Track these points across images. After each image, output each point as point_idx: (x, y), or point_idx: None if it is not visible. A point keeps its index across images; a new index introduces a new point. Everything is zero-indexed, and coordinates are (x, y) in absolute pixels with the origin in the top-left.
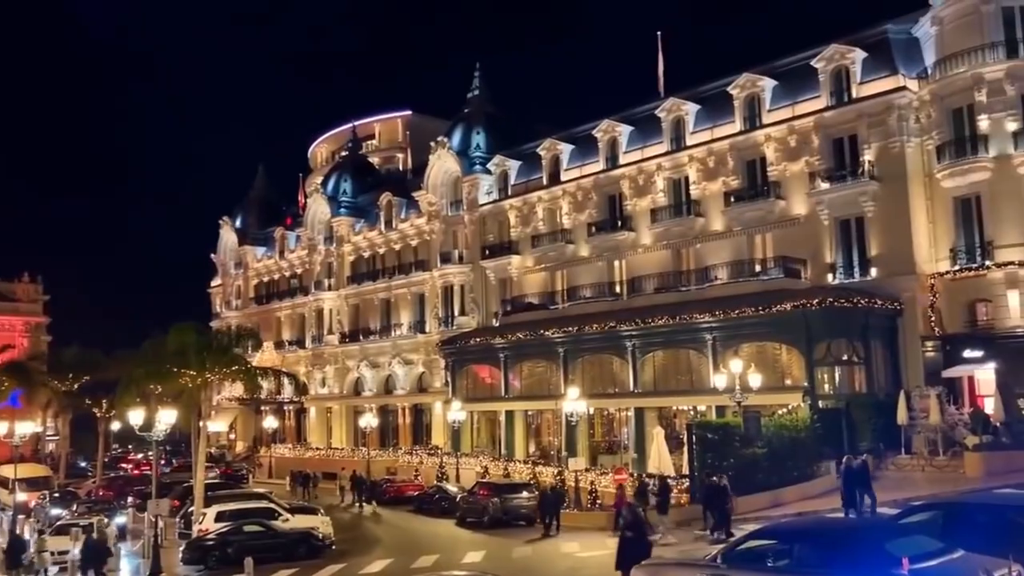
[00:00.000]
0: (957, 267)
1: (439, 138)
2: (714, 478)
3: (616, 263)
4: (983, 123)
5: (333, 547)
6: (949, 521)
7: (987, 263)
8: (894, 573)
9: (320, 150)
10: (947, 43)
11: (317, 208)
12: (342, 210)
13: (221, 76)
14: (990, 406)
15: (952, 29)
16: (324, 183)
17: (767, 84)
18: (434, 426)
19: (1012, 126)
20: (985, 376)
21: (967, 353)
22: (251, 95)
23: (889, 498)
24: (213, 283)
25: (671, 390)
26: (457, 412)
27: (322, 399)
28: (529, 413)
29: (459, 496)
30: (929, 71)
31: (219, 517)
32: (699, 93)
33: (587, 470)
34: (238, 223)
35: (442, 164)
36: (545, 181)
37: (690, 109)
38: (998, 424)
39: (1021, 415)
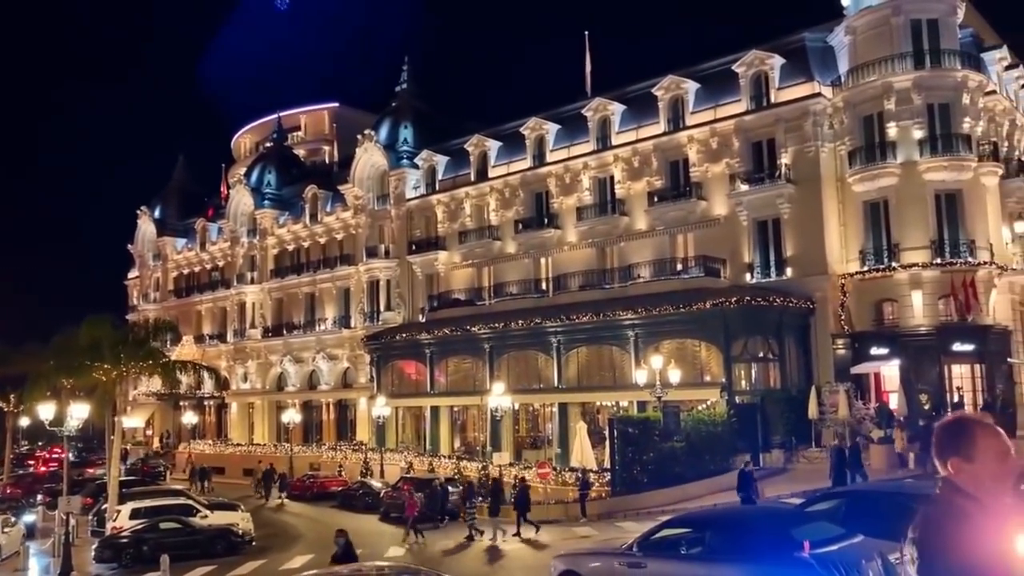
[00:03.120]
0: (866, 268)
1: (366, 131)
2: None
3: (542, 260)
4: (892, 130)
5: (253, 543)
6: (851, 508)
7: (893, 265)
8: (797, 556)
9: (244, 140)
10: (859, 52)
11: (240, 200)
12: (266, 202)
13: (141, 61)
14: (895, 401)
15: (864, 39)
16: (248, 174)
17: (690, 87)
18: (359, 422)
19: (918, 134)
20: (890, 372)
21: (874, 350)
22: (172, 81)
23: (800, 489)
24: (130, 275)
25: (594, 386)
26: (382, 408)
27: (244, 394)
28: (455, 409)
29: (383, 492)
30: (843, 79)
31: (134, 514)
32: (625, 94)
33: (511, 465)
34: (157, 214)
35: (369, 157)
36: (473, 177)
37: (616, 109)
38: (901, 418)
39: (922, 409)
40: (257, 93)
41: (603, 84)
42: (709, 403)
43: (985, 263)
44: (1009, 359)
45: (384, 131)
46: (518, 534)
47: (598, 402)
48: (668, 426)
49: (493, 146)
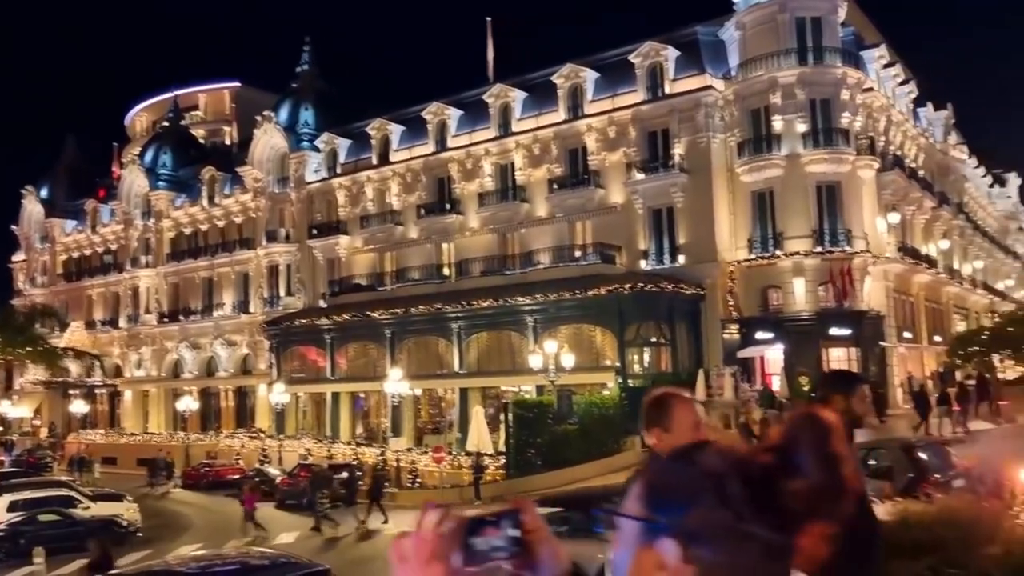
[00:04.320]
0: (753, 256)
1: (266, 112)
2: None
3: (444, 246)
4: (777, 123)
5: (139, 534)
6: None
7: (778, 253)
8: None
9: (139, 119)
10: (748, 47)
11: (134, 180)
12: (161, 183)
13: (29, 35)
14: (777, 384)
15: (752, 34)
16: (142, 154)
17: (589, 76)
18: (258, 409)
19: (802, 127)
20: (774, 356)
21: (759, 335)
22: (63, 56)
23: None
24: (15, 258)
25: (494, 371)
26: (281, 394)
27: (138, 382)
28: (361, 395)
29: (280, 479)
30: (732, 72)
31: (11, 507)
32: (526, 81)
33: (408, 450)
34: (44, 194)
35: (269, 139)
36: (375, 161)
37: (517, 96)
38: (783, 400)
39: (802, 391)
40: (153, 68)
41: (505, 71)
42: (609, 387)
43: (861, 252)
44: (881, 343)
45: (285, 112)
46: (364, 522)
47: (499, 387)
48: (562, 410)
49: (395, 130)
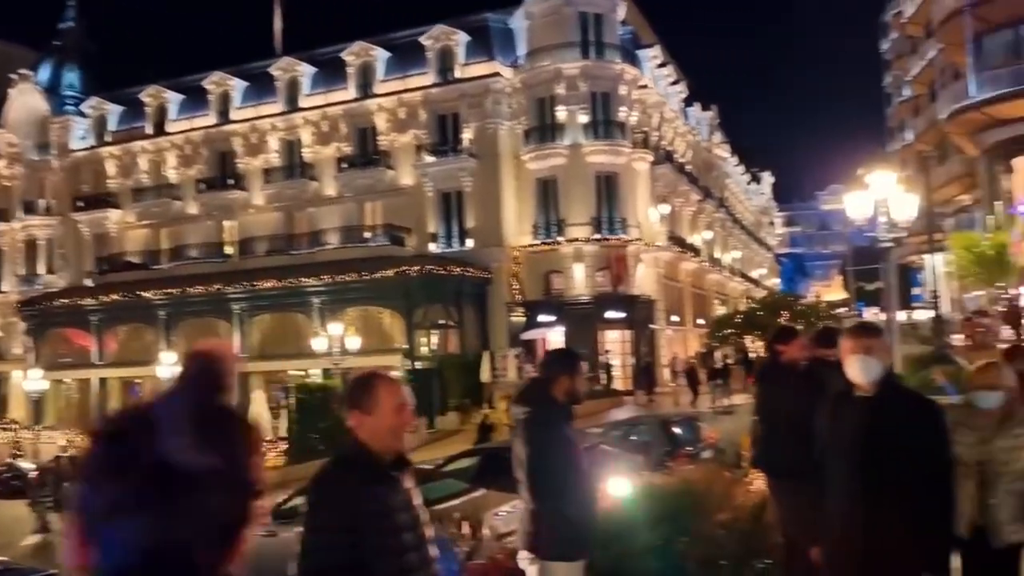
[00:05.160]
0: (537, 241)
1: (22, 71)
2: None
3: (226, 223)
4: (561, 114)
5: None
6: (483, 465)
7: (560, 239)
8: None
9: None
10: (535, 37)
11: None
12: None
13: None
14: None
15: (540, 25)
16: None
17: (380, 55)
18: (13, 398)
19: (583, 119)
20: (556, 338)
21: (542, 318)
22: None
23: (478, 446)
24: None
25: (279, 354)
26: (38, 381)
27: None
28: (137, 381)
29: (33, 474)
30: (520, 61)
31: None
32: (315, 56)
33: None
34: None
35: (26, 101)
36: (150, 131)
37: (306, 71)
38: None
39: None
40: None
41: (294, 44)
42: (406, 368)
43: (635, 240)
44: (652, 325)
45: (45, 72)
46: None
47: (285, 370)
48: None
49: (174, 99)
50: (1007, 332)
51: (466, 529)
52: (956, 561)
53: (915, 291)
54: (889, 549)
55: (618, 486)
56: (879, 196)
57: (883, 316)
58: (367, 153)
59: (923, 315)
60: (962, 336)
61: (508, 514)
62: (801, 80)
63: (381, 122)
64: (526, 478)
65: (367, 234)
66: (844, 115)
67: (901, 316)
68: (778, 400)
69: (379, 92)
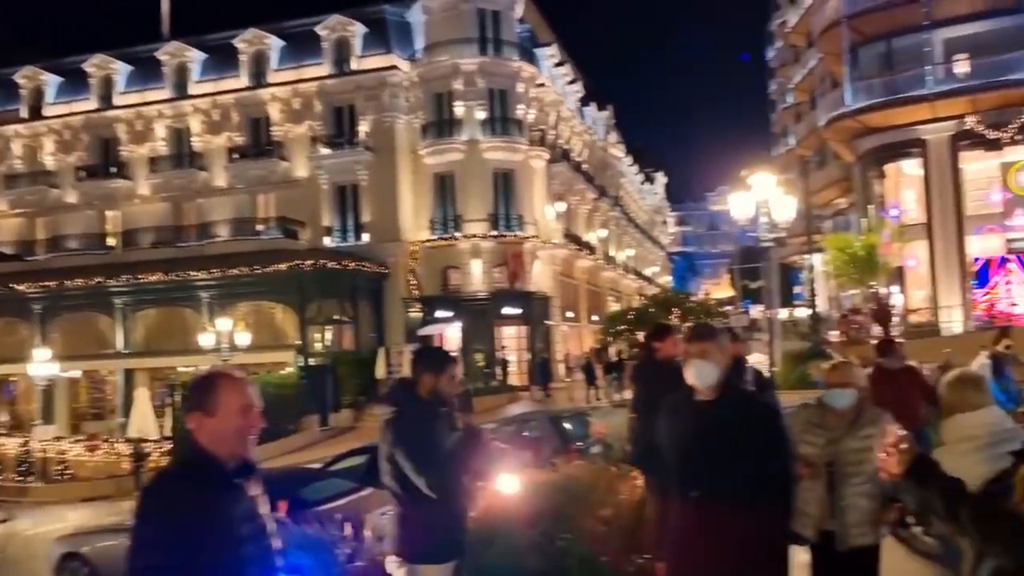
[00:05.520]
0: (435, 236)
1: None
2: None
3: (109, 213)
4: (459, 109)
5: None
6: (372, 463)
7: (457, 234)
8: (285, 518)
9: None
10: (433, 32)
11: None
12: None
13: None
14: None
15: (438, 20)
16: None
17: (274, 43)
18: None
19: (481, 115)
20: (453, 334)
21: (439, 313)
22: None
23: (367, 444)
24: None
25: (165, 350)
26: None
27: None
28: (13, 379)
29: None
30: (418, 55)
31: None
32: (206, 41)
33: (58, 439)
34: None
35: None
36: (25, 114)
37: (195, 57)
38: (460, 376)
39: (476, 368)
40: None
41: (183, 28)
42: (299, 365)
43: (532, 237)
44: (547, 321)
45: None
46: None
47: (174, 367)
48: None
49: (51, 81)
50: (877, 329)
51: (348, 530)
52: (805, 564)
53: (797, 289)
54: (727, 555)
55: (506, 483)
56: (760, 197)
57: (768, 313)
58: (260, 143)
59: (803, 313)
60: (838, 332)
61: (393, 514)
62: (694, 84)
63: (275, 112)
64: (391, 480)
65: (259, 227)
66: (735, 119)
67: (783, 314)
68: (654, 397)
69: (273, 81)
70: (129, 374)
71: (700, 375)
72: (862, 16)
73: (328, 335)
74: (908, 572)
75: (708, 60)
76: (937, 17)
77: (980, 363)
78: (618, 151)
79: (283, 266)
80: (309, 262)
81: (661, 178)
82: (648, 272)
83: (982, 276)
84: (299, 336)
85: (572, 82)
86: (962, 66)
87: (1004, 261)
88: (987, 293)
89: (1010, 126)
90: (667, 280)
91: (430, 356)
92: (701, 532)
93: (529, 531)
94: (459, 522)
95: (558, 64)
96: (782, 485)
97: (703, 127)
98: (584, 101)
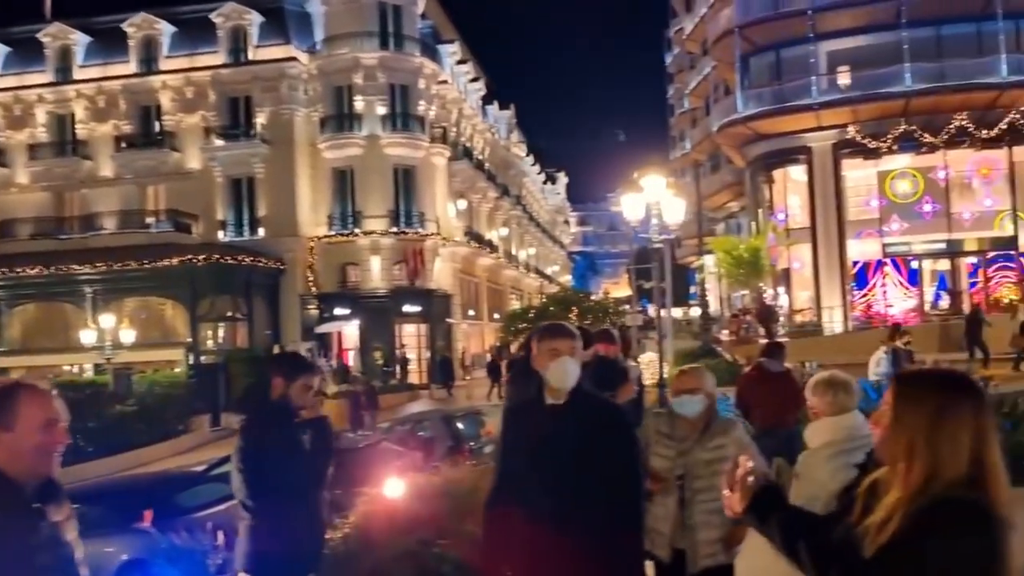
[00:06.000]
0: (333, 232)
1: None
2: None
3: None
4: (359, 103)
5: None
6: None
7: (356, 231)
8: (135, 527)
9: None
10: (333, 24)
11: None
12: None
13: None
14: (352, 358)
15: (338, 12)
16: None
17: (166, 29)
18: None
19: (381, 110)
20: (351, 331)
21: (337, 311)
22: None
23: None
24: None
25: (45, 347)
26: None
27: None
28: None
29: None
30: (318, 47)
31: None
32: (92, 24)
33: None
34: None
35: None
36: None
37: (80, 40)
38: (358, 374)
39: (375, 366)
40: None
41: (67, 9)
42: (185, 364)
43: (433, 234)
44: (448, 319)
45: None
46: None
47: (56, 366)
48: (119, 389)
49: None
50: (763, 329)
51: (221, 539)
52: None
53: (692, 289)
54: (576, 568)
55: (392, 487)
56: (652, 199)
57: (660, 313)
58: (150, 133)
59: (697, 312)
60: (727, 332)
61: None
62: (597, 86)
63: (166, 101)
64: (238, 490)
65: (149, 219)
66: (637, 122)
67: (678, 313)
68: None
69: (164, 68)
70: (3, 372)
71: (564, 375)
72: (753, 26)
73: (221, 332)
74: None
75: (611, 63)
76: (821, 30)
77: (878, 358)
78: (520, 150)
79: (174, 261)
80: (202, 257)
81: (563, 178)
82: (549, 271)
83: (861, 278)
84: (190, 333)
85: (474, 80)
86: (844, 78)
87: (881, 264)
88: (865, 295)
89: (888, 136)
90: (568, 279)
91: (284, 362)
92: (551, 548)
93: (405, 539)
94: (312, 534)
95: (460, 62)
96: (634, 499)
97: (605, 129)
98: (486, 100)
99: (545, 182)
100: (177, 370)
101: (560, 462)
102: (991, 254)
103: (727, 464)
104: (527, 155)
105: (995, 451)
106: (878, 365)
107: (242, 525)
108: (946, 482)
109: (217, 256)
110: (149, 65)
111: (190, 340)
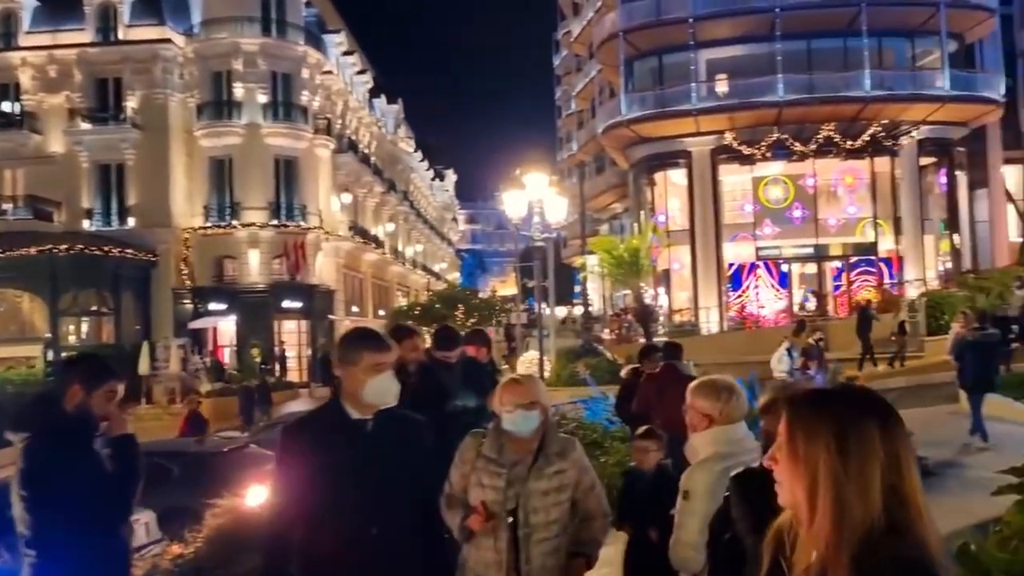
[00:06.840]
0: (209, 224)
1: None
2: None
3: None
4: (238, 90)
5: None
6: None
7: (234, 223)
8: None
9: None
10: (211, 6)
11: None
12: None
13: None
14: (228, 356)
15: None
16: None
17: (26, 2)
18: None
19: (262, 98)
20: (227, 327)
21: (213, 305)
22: None
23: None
24: None
25: None
26: None
27: None
28: None
29: None
30: (195, 30)
31: None
32: None
33: None
34: None
35: None
36: None
37: None
38: (234, 372)
39: (253, 363)
40: None
41: None
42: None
43: (315, 228)
44: (331, 316)
45: None
46: None
47: None
48: None
49: None
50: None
51: None
52: None
53: (577, 288)
54: None
55: (255, 495)
56: (534, 197)
57: (542, 311)
58: (7, 113)
59: (580, 311)
60: (608, 331)
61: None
62: (486, 84)
63: (26, 79)
64: (20, 521)
65: (6, 206)
66: (525, 121)
67: (562, 312)
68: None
69: (24, 45)
70: None
71: (386, 391)
72: (637, 31)
73: (85, 328)
74: None
75: (503, 62)
76: (701, 38)
77: (779, 355)
78: (408, 146)
79: (32, 250)
80: (64, 246)
81: (451, 176)
82: (437, 268)
83: (735, 280)
84: (49, 328)
85: (361, 72)
86: (722, 85)
87: (754, 267)
88: (739, 296)
89: (762, 144)
90: (456, 277)
91: (86, 365)
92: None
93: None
94: (116, 560)
95: (346, 53)
96: (433, 523)
97: (494, 127)
98: (373, 93)
99: (434, 179)
100: (33, 368)
101: (376, 482)
102: (854, 259)
103: (567, 493)
104: (415, 151)
105: (914, 483)
106: (780, 362)
107: (26, 563)
108: (859, 528)
109: (81, 246)
110: (7, 40)
111: (49, 335)
